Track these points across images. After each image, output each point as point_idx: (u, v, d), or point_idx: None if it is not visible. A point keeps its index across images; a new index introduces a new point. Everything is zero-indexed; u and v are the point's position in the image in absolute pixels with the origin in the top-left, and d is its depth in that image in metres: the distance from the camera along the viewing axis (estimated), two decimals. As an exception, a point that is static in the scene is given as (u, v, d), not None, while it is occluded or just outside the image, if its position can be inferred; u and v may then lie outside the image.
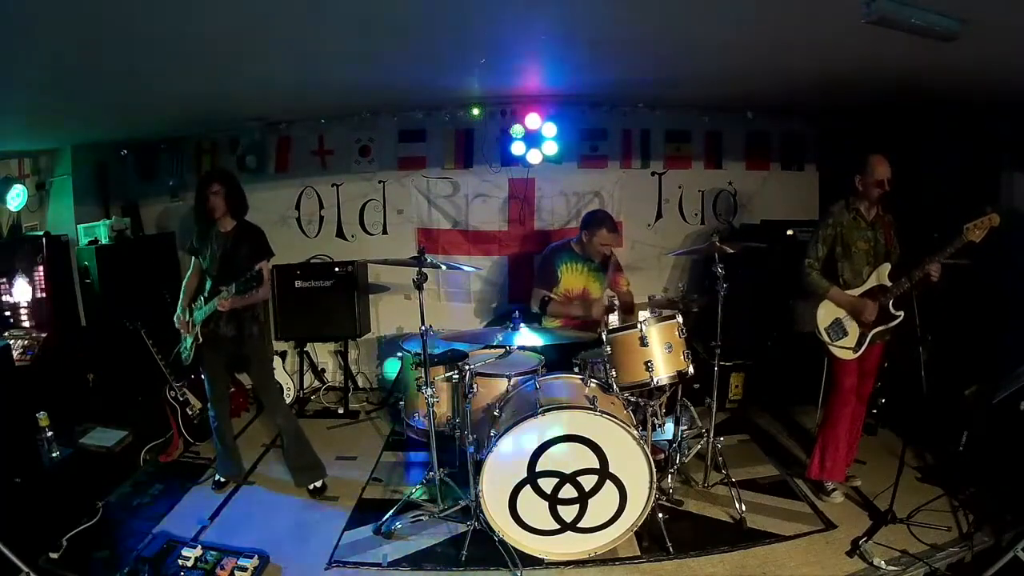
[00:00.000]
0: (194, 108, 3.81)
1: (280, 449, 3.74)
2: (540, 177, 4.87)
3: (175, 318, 3.28)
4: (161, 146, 4.89)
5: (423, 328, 2.94)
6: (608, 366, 2.96)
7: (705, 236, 4.52)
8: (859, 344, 3.03)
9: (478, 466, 2.74)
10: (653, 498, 2.70)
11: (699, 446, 3.37)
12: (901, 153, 3.13)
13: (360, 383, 5.13)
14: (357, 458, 3.85)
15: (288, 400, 4.61)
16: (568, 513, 2.71)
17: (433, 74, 3.48)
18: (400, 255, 3.56)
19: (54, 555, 2.76)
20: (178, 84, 3.01)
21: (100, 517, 3.06)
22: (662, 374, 2.91)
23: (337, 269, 4.68)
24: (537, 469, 2.67)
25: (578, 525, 2.72)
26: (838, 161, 4.40)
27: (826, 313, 3.10)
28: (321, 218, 5.05)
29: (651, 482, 2.68)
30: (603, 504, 2.70)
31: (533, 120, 4.48)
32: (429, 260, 2.94)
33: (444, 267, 3.50)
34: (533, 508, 2.71)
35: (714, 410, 3.25)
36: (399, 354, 4.21)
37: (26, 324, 3.99)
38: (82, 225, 4.37)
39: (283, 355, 4.92)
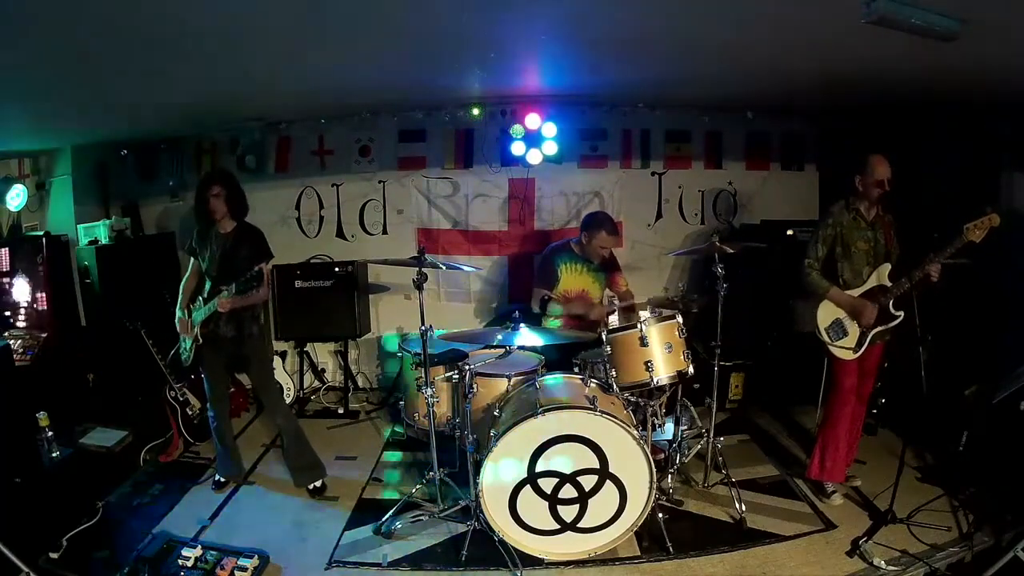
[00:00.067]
0: (194, 108, 3.81)
1: (280, 449, 3.74)
2: (540, 177, 4.87)
3: (176, 320, 3.27)
4: (161, 146, 4.89)
5: (423, 328, 2.94)
6: (608, 366, 2.96)
7: (705, 236, 4.53)
8: (859, 344, 3.03)
9: (478, 466, 2.74)
10: (653, 498, 2.70)
11: (699, 446, 3.37)
12: (901, 153, 3.13)
13: (360, 383, 5.12)
14: (357, 458, 3.86)
15: (288, 400, 4.61)
16: (568, 513, 2.71)
17: (433, 74, 3.48)
18: (400, 255, 3.56)
19: (54, 555, 2.76)
20: (177, 84, 3.01)
21: (100, 517, 3.05)
22: (662, 374, 2.92)
23: (337, 269, 4.67)
24: (537, 469, 2.67)
25: (578, 525, 2.72)
26: (838, 161, 4.40)
27: (826, 313, 3.10)
28: (321, 218, 5.05)
29: (651, 482, 2.67)
30: (603, 504, 2.70)
31: (533, 120, 4.48)
32: (429, 260, 2.94)
33: (444, 267, 3.50)
34: (533, 508, 2.71)
35: (714, 410, 3.25)
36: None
37: (26, 324, 3.98)
38: (82, 225, 4.37)
39: (283, 355, 4.92)
